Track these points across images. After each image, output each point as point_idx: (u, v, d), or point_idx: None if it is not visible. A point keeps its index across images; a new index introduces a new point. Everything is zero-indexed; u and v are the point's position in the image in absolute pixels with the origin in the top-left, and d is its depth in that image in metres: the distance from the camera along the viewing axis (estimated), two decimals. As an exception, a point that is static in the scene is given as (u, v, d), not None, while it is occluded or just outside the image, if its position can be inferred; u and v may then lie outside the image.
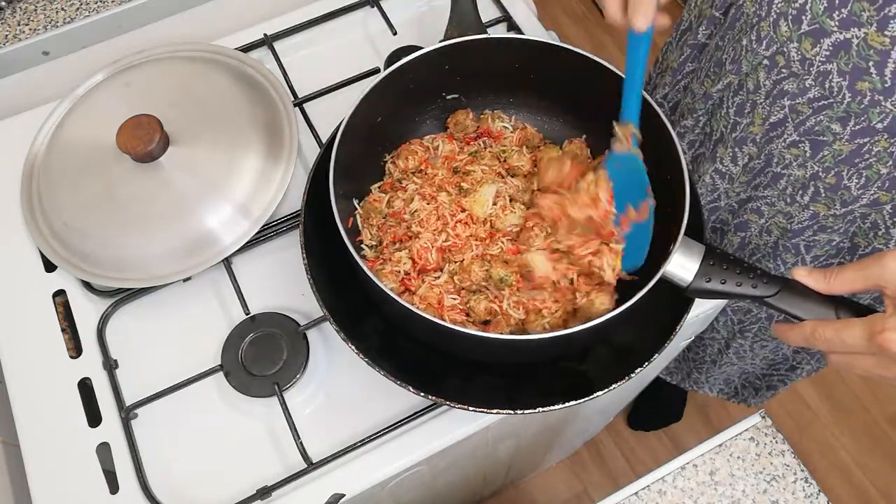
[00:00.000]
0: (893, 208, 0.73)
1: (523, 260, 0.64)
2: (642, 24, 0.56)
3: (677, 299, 0.61)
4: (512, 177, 0.70)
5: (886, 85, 0.61)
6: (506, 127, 0.72)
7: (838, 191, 0.73)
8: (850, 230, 0.78)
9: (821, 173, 0.73)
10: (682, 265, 0.58)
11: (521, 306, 0.63)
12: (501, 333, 0.61)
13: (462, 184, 0.68)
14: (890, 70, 0.60)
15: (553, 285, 0.64)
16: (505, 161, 0.70)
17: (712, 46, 0.83)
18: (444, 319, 0.60)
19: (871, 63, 0.61)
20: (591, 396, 0.59)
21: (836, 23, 0.62)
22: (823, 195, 0.75)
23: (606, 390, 0.59)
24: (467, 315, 0.63)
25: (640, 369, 0.59)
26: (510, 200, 0.67)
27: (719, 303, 0.80)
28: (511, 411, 0.58)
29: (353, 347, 0.59)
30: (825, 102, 0.67)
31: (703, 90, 0.85)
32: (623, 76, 0.64)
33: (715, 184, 0.87)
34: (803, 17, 0.64)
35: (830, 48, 0.63)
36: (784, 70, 0.69)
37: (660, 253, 0.64)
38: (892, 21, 0.58)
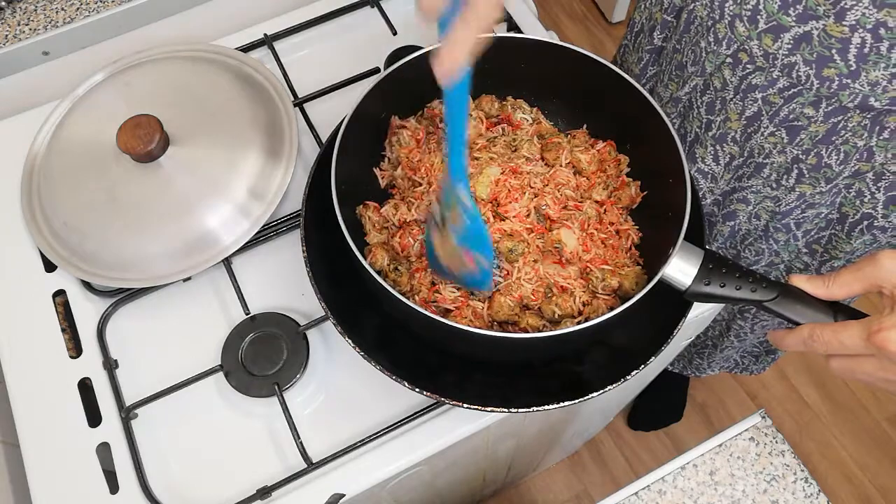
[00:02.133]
0: (875, 174, 0.74)
1: (555, 236, 0.64)
2: (445, 80, 0.48)
3: (676, 302, 0.61)
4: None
5: (851, 69, 0.63)
6: (525, 118, 0.72)
7: (821, 169, 0.74)
8: (836, 201, 0.80)
9: (801, 155, 0.74)
10: (681, 269, 0.58)
11: (541, 282, 0.63)
12: (500, 332, 0.61)
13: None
14: (853, 55, 0.61)
15: (582, 265, 0.64)
16: (515, 150, 0.70)
17: (670, 49, 0.83)
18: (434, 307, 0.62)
19: (833, 51, 0.62)
20: (587, 397, 0.59)
21: (794, 18, 0.63)
22: (807, 175, 0.76)
23: (602, 391, 0.59)
24: (472, 294, 0.64)
25: (636, 371, 0.59)
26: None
27: (717, 305, 0.80)
28: (506, 410, 0.58)
29: (349, 341, 0.60)
30: (795, 91, 0.68)
31: (668, 93, 0.85)
32: (622, 75, 0.64)
33: (698, 184, 0.88)
34: (759, 17, 0.65)
35: (792, 41, 0.64)
36: (749, 66, 0.70)
37: (659, 256, 0.64)
38: (849, 12, 0.59)
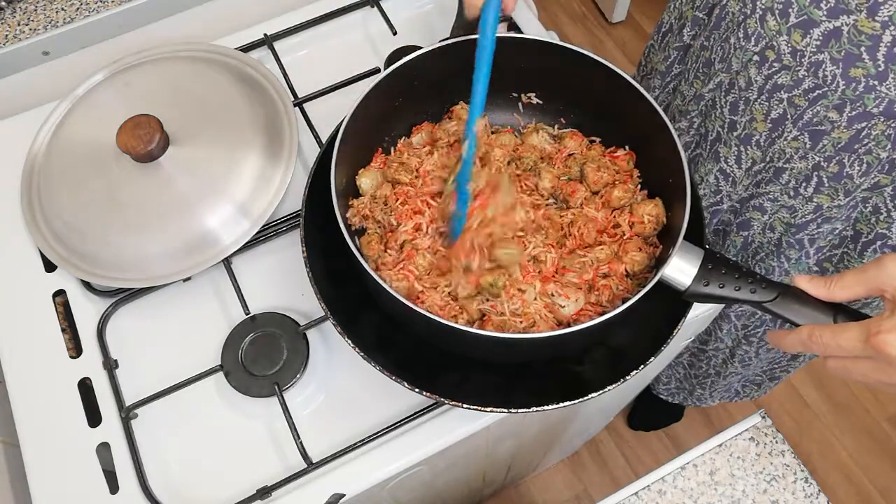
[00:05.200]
0: (894, 189, 0.73)
1: (552, 303, 0.62)
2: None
3: (676, 302, 0.61)
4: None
5: (880, 69, 0.62)
6: (544, 146, 0.71)
7: (841, 179, 0.74)
8: (851, 216, 0.79)
9: (822, 163, 0.73)
10: (681, 269, 0.58)
11: (525, 318, 0.61)
12: (499, 332, 0.61)
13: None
14: (882, 54, 0.61)
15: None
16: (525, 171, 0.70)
17: (697, 47, 0.83)
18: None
19: (863, 48, 0.61)
20: (587, 397, 0.59)
21: (825, 12, 0.62)
22: (827, 185, 0.75)
23: (602, 391, 0.59)
24: (461, 309, 0.63)
25: (636, 371, 0.59)
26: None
27: (717, 305, 0.80)
28: (506, 410, 0.58)
29: (349, 341, 0.60)
30: (820, 92, 0.67)
31: (693, 91, 0.85)
32: (621, 74, 0.64)
33: (718, 185, 0.87)
34: (790, 11, 0.65)
35: (821, 38, 0.64)
36: (776, 64, 0.69)
37: (659, 256, 0.64)
38: (882, 6, 0.58)
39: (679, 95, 0.90)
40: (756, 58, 0.71)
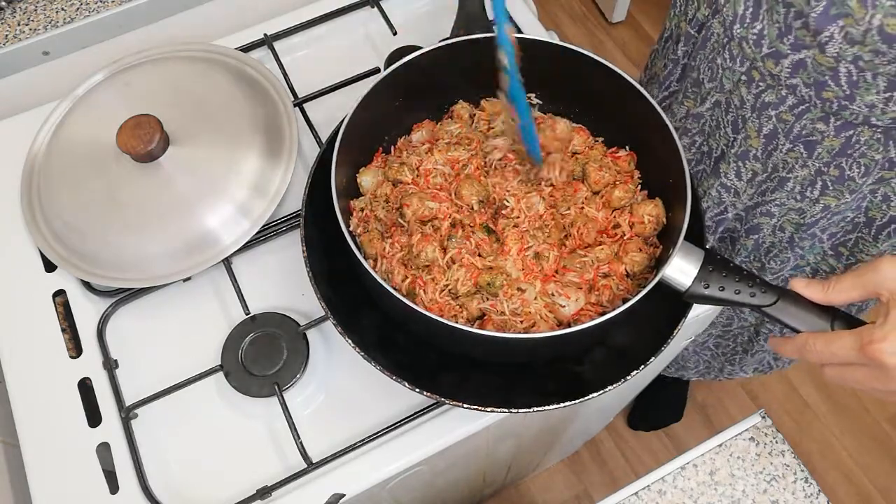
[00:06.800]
0: None
1: (551, 303, 0.61)
2: None
3: (676, 302, 0.61)
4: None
5: (846, 93, 0.64)
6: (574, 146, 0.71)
7: (844, 181, 0.74)
8: (862, 206, 0.80)
9: (823, 168, 0.74)
10: (681, 270, 0.58)
11: (529, 315, 0.61)
12: (499, 332, 0.61)
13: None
14: (844, 80, 0.63)
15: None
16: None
17: (689, 66, 0.84)
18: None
19: (827, 76, 0.64)
20: (588, 397, 0.59)
21: (788, 47, 0.65)
22: (831, 188, 0.76)
23: (602, 392, 0.59)
24: (461, 307, 0.63)
25: (636, 372, 0.59)
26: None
27: (718, 307, 0.80)
28: (506, 410, 0.58)
29: (349, 341, 0.60)
30: (804, 108, 0.69)
31: (684, 109, 0.86)
32: (621, 74, 0.64)
33: (721, 197, 0.88)
34: (762, 42, 0.67)
35: (791, 66, 0.66)
36: (761, 83, 0.71)
37: (659, 257, 0.64)
38: (827, 46, 0.61)
39: (670, 113, 0.91)
40: (744, 77, 0.73)
